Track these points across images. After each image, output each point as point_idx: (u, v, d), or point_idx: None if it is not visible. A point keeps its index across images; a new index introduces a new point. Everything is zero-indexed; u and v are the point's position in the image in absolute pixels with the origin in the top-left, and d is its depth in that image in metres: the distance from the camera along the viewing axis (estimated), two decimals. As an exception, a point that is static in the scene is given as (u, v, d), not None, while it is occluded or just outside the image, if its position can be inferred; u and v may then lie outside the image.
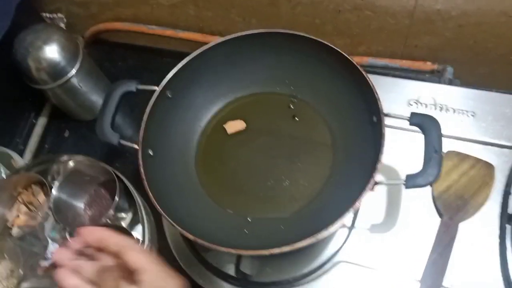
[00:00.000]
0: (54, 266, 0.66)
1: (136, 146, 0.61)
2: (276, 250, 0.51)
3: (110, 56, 1.00)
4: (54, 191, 0.69)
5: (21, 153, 0.90)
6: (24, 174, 0.73)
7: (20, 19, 0.80)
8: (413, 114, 0.56)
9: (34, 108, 0.94)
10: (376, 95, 0.58)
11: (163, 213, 0.55)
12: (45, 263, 0.69)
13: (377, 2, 0.72)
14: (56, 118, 0.95)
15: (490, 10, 0.68)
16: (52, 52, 0.78)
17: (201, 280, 0.65)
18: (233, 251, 0.53)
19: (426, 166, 0.53)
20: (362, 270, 0.63)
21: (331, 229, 0.52)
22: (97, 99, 0.90)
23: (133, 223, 0.74)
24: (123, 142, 0.62)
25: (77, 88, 0.85)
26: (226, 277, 0.66)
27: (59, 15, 0.97)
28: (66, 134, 0.94)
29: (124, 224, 0.73)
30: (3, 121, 0.88)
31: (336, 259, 0.64)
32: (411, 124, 0.56)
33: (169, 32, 0.90)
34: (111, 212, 0.69)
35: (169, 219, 0.55)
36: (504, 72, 0.79)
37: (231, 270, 0.66)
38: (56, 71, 0.80)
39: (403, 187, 0.63)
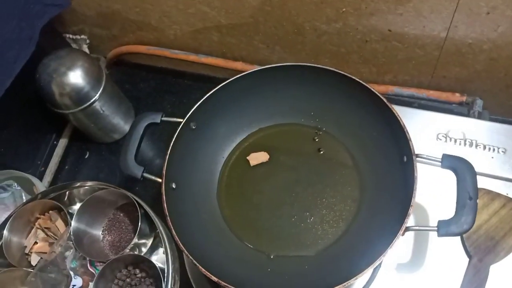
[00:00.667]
0: None
1: (159, 180, 0.60)
2: (302, 298, 0.50)
3: (131, 77, 1.00)
4: (73, 221, 0.69)
5: (41, 175, 0.91)
6: (40, 201, 0.73)
7: (44, 42, 0.80)
8: (445, 156, 0.54)
9: (55, 130, 0.94)
10: (407, 135, 0.56)
11: (186, 252, 0.54)
12: None
13: (406, 34, 0.70)
14: (77, 140, 0.95)
15: (523, 44, 0.66)
16: (75, 77, 0.78)
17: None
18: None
19: (459, 214, 0.51)
20: (388, 312, 0.61)
21: (360, 277, 0.50)
22: (118, 121, 0.90)
23: (153, 247, 0.73)
24: (146, 175, 0.61)
25: (99, 112, 0.84)
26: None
27: (82, 36, 0.97)
28: (86, 155, 0.94)
29: (144, 249, 0.72)
30: (24, 144, 0.88)
31: (361, 298, 0.62)
32: (443, 167, 0.55)
33: (192, 57, 0.90)
34: (135, 240, 0.68)
35: (193, 259, 0.54)
36: (535, 104, 0.77)
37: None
38: (79, 96, 0.80)
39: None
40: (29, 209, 0.73)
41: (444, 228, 0.51)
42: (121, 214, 0.77)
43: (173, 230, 0.56)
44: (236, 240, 0.64)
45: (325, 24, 0.74)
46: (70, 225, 0.68)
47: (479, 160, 0.68)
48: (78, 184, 0.75)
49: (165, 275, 0.65)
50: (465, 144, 0.69)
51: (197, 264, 0.53)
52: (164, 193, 0.59)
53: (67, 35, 0.98)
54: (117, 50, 0.97)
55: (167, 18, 0.85)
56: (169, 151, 0.62)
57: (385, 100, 0.60)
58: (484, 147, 0.69)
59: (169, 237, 0.70)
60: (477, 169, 0.66)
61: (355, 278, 0.50)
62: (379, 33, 0.72)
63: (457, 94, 0.77)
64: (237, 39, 0.84)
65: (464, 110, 0.76)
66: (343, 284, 0.49)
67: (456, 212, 0.51)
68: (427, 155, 0.55)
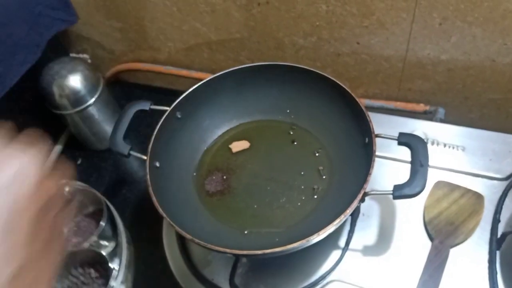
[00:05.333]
0: None
1: (144, 157, 0.65)
2: (268, 251, 0.54)
3: (127, 95, 1.08)
4: None
5: (34, 177, 0.95)
6: None
7: (50, 55, 0.89)
8: (401, 134, 0.61)
9: (51, 136, 1.00)
10: (367, 117, 0.63)
11: (164, 215, 0.58)
12: None
13: (372, 46, 0.79)
14: (71, 147, 1.01)
15: (475, 55, 0.75)
16: (75, 81, 0.86)
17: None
18: (228, 250, 0.55)
19: (412, 178, 0.56)
20: (355, 289, 0.64)
21: (323, 234, 0.55)
22: (110, 130, 0.96)
23: (113, 254, 0.76)
24: (133, 153, 0.67)
25: (94, 117, 0.91)
26: (221, 292, 0.67)
27: (85, 55, 1.07)
28: (79, 161, 0.99)
29: (104, 252, 0.73)
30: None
31: (329, 278, 0.65)
32: (399, 143, 0.61)
33: (183, 72, 0.98)
34: (94, 238, 0.71)
35: (169, 220, 0.58)
36: (493, 116, 0.84)
37: (226, 286, 0.67)
38: (76, 99, 0.87)
39: (397, 213, 0.68)
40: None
41: (398, 191, 0.56)
42: (88, 220, 0.80)
43: (154, 199, 0.60)
44: (213, 219, 0.68)
45: (302, 38, 0.83)
46: None
47: (440, 156, 0.74)
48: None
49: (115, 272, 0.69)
50: (427, 142, 0.75)
51: (174, 225, 0.57)
52: (148, 167, 0.64)
53: (72, 54, 1.07)
54: (116, 68, 1.06)
55: (163, 35, 0.94)
56: (155, 133, 0.68)
57: (349, 91, 0.67)
58: (445, 145, 0.75)
59: (127, 238, 0.74)
60: (438, 164, 0.73)
61: (317, 234, 0.54)
62: (349, 46, 0.81)
63: (421, 104, 0.84)
64: (225, 55, 0.93)
65: (428, 118, 0.83)
66: (306, 238, 0.54)
67: (410, 177, 0.56)
68: (385, 134, 0.62)
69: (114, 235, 0.76)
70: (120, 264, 0.72)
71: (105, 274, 0.72)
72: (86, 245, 0.71)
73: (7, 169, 0.33)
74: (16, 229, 0.32)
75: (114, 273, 0.69)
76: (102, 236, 0.74)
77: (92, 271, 0.73)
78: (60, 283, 0.71)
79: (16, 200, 0.32)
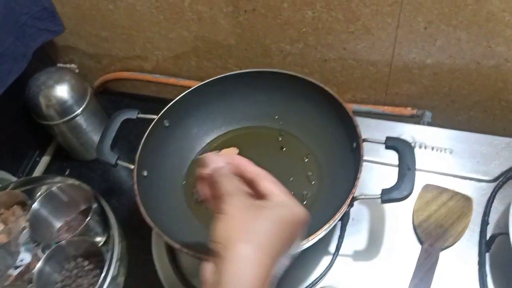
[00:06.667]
0: (22, 274, 0.67)
1: (131, 166, 0.65)
2: (258, 258, 0.53)
3: (115, 104, 1.07)
4: (35, 205, 0.73)
5: (21, 189, 0.94)
6: (7, 192, 0.75)
7: (37, 65, 0.89)
8: (388, 138, 0.61)
9: (39, 147, 1.00)
10: (355, 122, 0.63)
11: (152, 224, 0.58)
12: (13, 273, 0.69)
13: (359, 52, 0.80)
14: (59, 158, 1.00)
15: (461, 58, 0.75)
16: (62, 91, 0.86)
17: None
18: (216, 259, 0.54)
19: (400, 182, 0.56)
20: (346, 295, 0.64)
21: (312, 240, 0.54)
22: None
23: (106, 248, 0.73)
24: (120, 162, 0.66)
25: (82, 127, 0.91)
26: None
27: (72, 65, 1.06)
28: (67, 172, 0.98)
29: None
30: (8, 156, 0.93)
31: (320, 284, 0.65)
32: (386, 147, 0.61)
33: (171, 80, 0.98)
34: (82, 228, 0.70)
35: (157, 229, 0.57)
36: (480, 119, 0.84)
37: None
38: (63, 109, 0.86)
39: (386, 217, 0.68)
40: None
41: (386, 195, 0.56)
42: (81, 218, 0.80)
43: (141, 208, 0.60)
44: (203, 228, 0.67)
45: (289, 44, 0.83)
46: (30, 207, 0.72)
47: (428, 159, 0.74)
48: (54, 179, 0.79)
49: (108, 265, 0.67)
50: (414, 146, 0.76)
51: (162, 234, 0.57)
52: (135, 176, 0.63)
53: (58, 64, 1.07)
54: (103, 78, 1.06)
55: (150, 44, 0.94)
56: (142, 142, 0.67)
57: (337, 97, 0.67)
58: (432, 148, 0.75)
59: (119, 232, 0.73)
60: (426, 167, 0.73)
61: (307, 240, 0.54)
62: (335, 51, 0.81)
63: (409, 108, 0.85)
64: (213, 63, 0.93)
65: (415, 121, 0.84)
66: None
67: (397, 180, 0.57)
68: (372, 138, 0.62)
69: (106, 230, 0.75)
70: (112, 256, 0.70)
71: (99, 265, 0.71)
72: (75, 232, 0.70)
73: None
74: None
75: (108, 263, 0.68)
76: (92, 230, 0.73)
77: (86, 263, 0.72)
78: (53, 277, 0.70)
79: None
